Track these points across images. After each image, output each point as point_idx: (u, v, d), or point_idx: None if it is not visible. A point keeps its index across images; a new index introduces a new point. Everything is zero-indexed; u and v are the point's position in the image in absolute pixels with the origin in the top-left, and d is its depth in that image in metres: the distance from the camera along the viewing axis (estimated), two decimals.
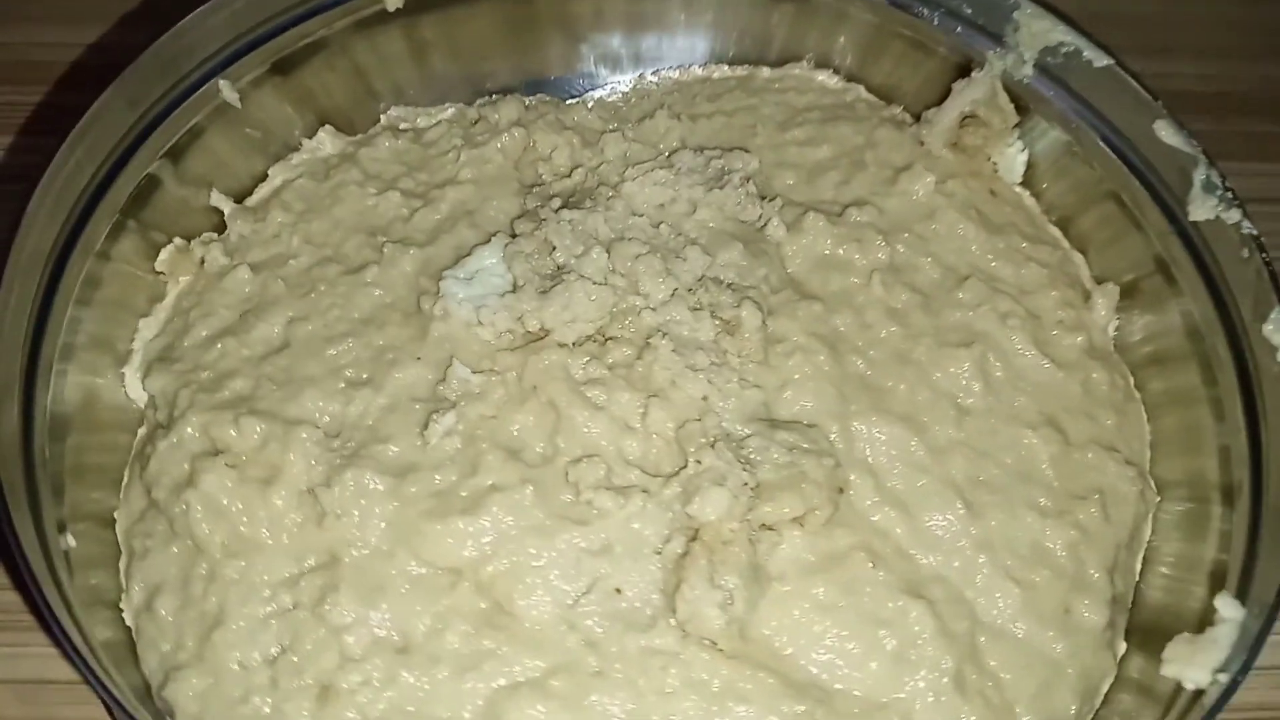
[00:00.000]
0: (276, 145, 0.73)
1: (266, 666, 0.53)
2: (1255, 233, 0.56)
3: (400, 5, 0.71)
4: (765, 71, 0.80)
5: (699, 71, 0.81)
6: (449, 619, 0.53)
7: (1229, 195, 0.57)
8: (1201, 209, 0.59)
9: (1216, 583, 0.56)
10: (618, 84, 0.80)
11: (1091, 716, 0.57)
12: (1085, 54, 0.64)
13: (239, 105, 0.67)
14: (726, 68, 0.80)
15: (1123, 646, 0.59)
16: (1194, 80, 0.92)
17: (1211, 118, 0.89)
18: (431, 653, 0.52)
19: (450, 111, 0.77)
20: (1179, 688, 0.51)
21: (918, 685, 0.54)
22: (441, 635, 0.53)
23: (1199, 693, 0.47)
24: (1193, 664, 0.48)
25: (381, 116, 0.76)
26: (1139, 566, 0.61)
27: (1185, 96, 0.86)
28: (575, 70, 0.80)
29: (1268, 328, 0.54)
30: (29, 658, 0.59)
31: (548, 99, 0.78)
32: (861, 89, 0.78)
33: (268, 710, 0.52)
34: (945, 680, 0.54)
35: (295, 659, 0.52)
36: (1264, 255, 0.55)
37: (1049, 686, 0.56)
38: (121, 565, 0.58)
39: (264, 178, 0.72)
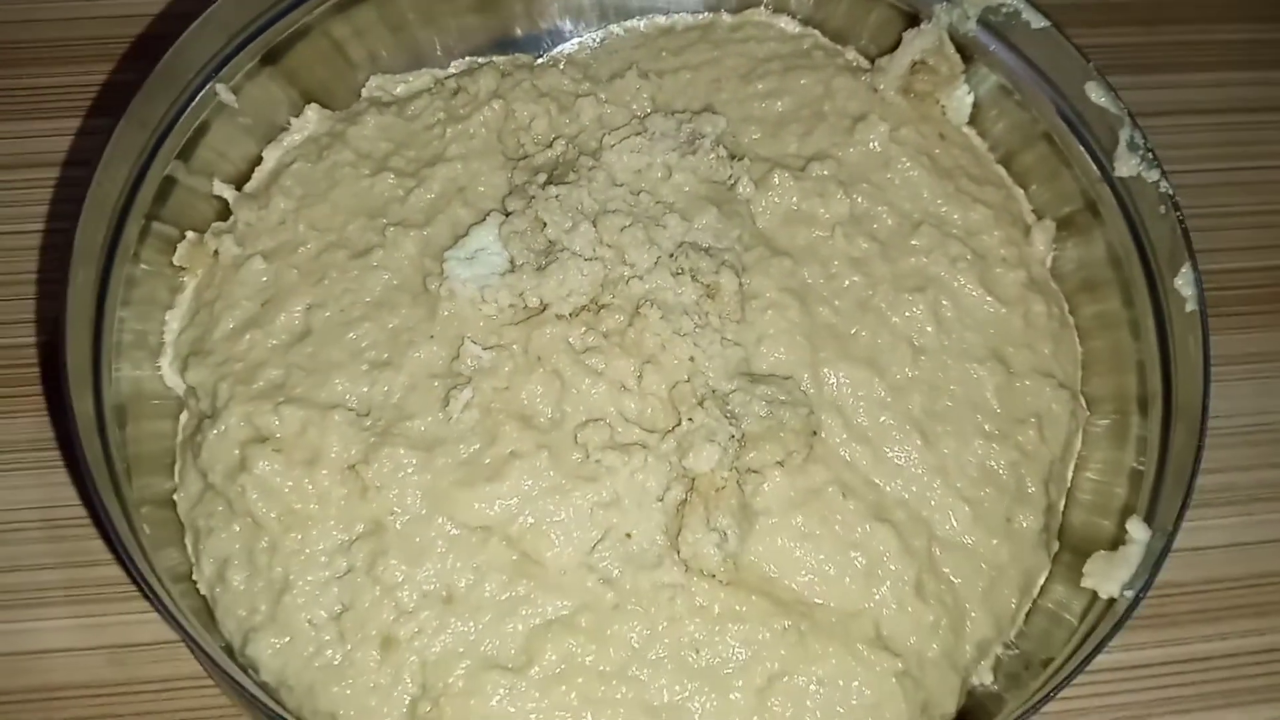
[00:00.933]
0: (266, 127, 0.76)
1: (333, 623, 0.61)
2: (1171, 191, 0.63)
3: None
4: (726, 18, 0.84)
5: (661, 20, 0.84)
6: (485, 571, 0.62)
7: (1150, 155, 0.64)
8: (1125, 165, 0.66)
9: (1134, 483, 0.65)
10: (584, 39, 0.84)
11: (1030, 606, 0.68)
12: (1024, 15, 0.69)
13: (235, 104, 0.70)
14: (688, 15, 0.84)
15: (1056, 545, 0.69)
16: None
17: (1145, 28, 0.95)
18: (474, 601, 0.61)
19: (427, 78, 0.81)
20: None
21: (885, 595, 0.63)
22: (480, 585, 0.61)
23: (1111, 601, 0.57)
24: (1107, 578, 0.59)
25: (362, 90, 0.80)
26: (1070, 475, 0.71)
27: (1125, 7, 0.91)
28: (541, 28, 0.83)
29: (1178, 281, 0.62)
30: (113, 625, 0.67)
31: (521, 59, 0.81)
32: (818, 34, 0.83)
33: (340, 660, 0.61)
34: (908, 589, 0.64)
35: (357, 615, 0.61)
36: (1179, 214, 0.62)
37: (995, 585, 0.66)
38: (189, 542, 0.65)
39: (257, 160, 0.76)
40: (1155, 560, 0.53)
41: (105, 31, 0.83)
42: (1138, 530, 0.59)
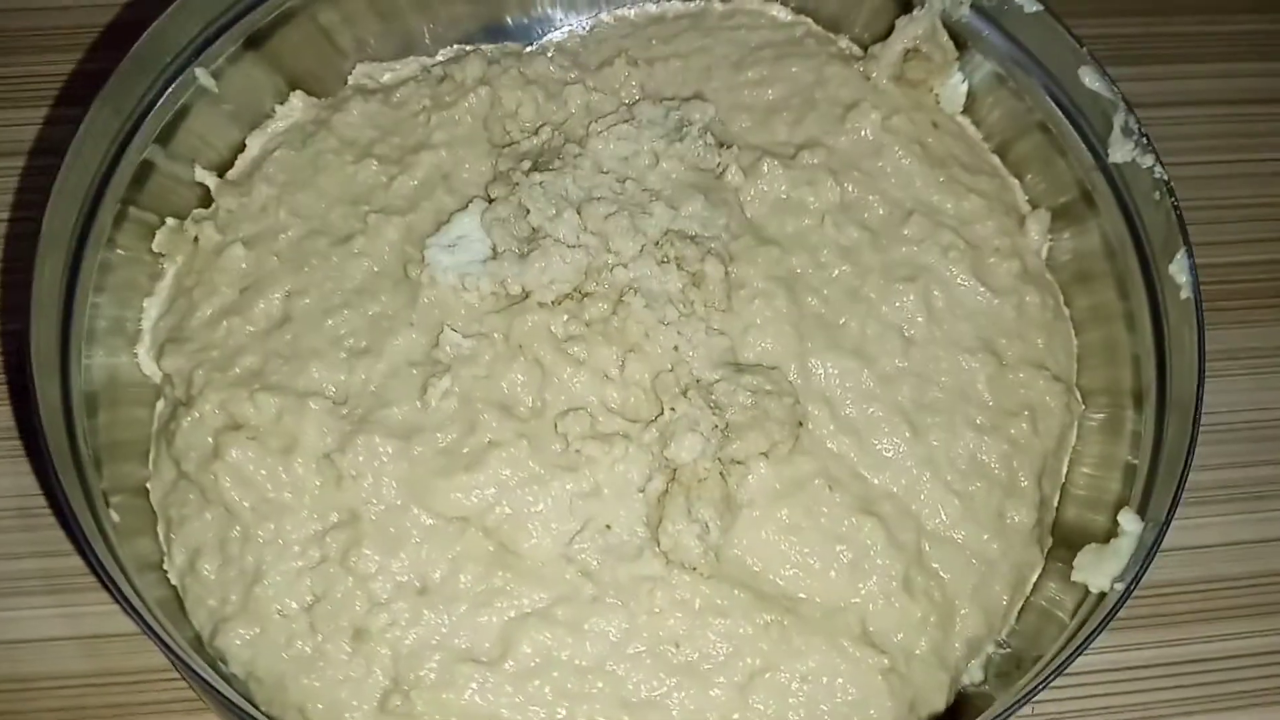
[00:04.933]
0: (250, 114, 0.75)
1: (304, 614, 0.60)
2: (1166, 178, 0.61)
3: None
4: (717, 6, 0.82)
5: (653, 9, 0.83)
6: (461, 562, 0.60)
7: (1144, 141, 0.62)
8: (1120, 151, 0.64)
9: (1128, 477, 0.64)
10: (573, 26, 0.83)
11: (1022, 604, 0.66)
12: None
13: (215, 89, 0.69)
14: (679, 3, 0.83)
15: (1049, 541, 0.68)
16: None
17: (1149, 20, 0.93)
18: (449, 593, 0.60)
19: (415, 66, 0.80)
20: None
21: (871, 590, 0.62)
22: (456, 577, 0.60)
23: (1102, 595, 0.56)
24: (1098, 571, 0.57)
25: (349, 77, 0.79)
26: (1064, 469, 0.70)
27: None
28: (531, 15, 0.82)
29: (1173, 267, 0.60)
30: (87, 616, 0.66)
31: (509, 48, 0.80)
32: (810, 22, 0.81)
33: (310, 651, 0.59)
34: (895, 584, 0.62)
35: (329, 606, 0.60)
36: (1173, 200, 0.61)
37: (985, 582, 0.64)
38: (160, 531, 0.64)
39: (241, 147, 0.75)
40: (1146, 552, 0.51)
41: (75, 21, 0.83)
42: (1129, 522, 0.57)
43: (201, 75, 0.68)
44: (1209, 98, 0.90)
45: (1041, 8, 0.66)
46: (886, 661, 0.60)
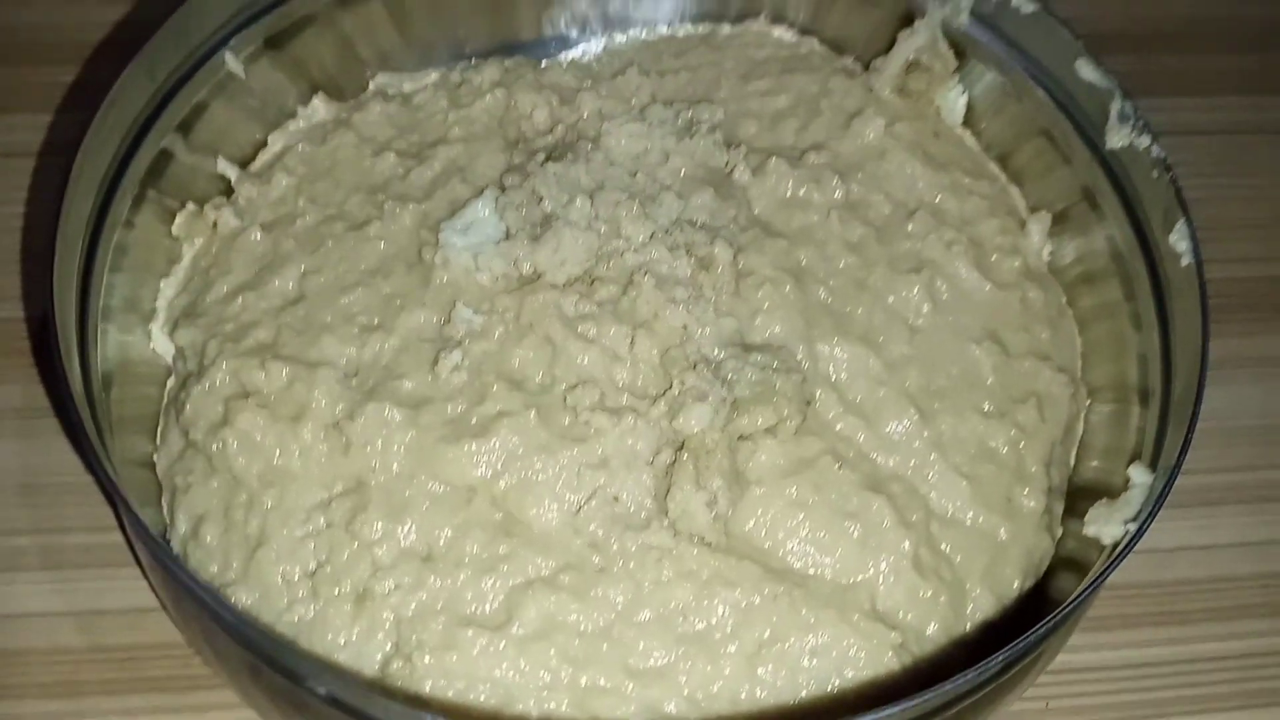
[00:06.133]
0: (274, 113, 0.78)
1: (307, 579, 0.59)
2: (1163, 155, 0.63)
3: None
4: (726, 28, 0.86)
5: (664, 30, 0.86)
6: (467, 529, 0.60)
7: (1140, 123, 0.65)
8: (1117, 136, 0.66)
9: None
10: (589, 47, 0.86)
11: (1033, 589, 0.65)
12: (1014, 2, 0.70)
13: (243, 76, 0.72)
14: (690, 26, 0.86)
15: (1059, 531, 0.67)
16: (1125, 21, 1.00)
17: (1138, 56, 0.97)
18: (454, 559, 0.59)
19: (434, 76, 0.83)
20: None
21: (880, 568, 0.61)
22: (461, 543, 0.59)
23: (1115, 547, 0.55)
24: (1110, 521, 0.57)
25: (370, 83, 0.82)
26: (1073, 460, 0.69)
27: (1118, 37, 0.94)
28: (548, 34, 0.86)
29: (1173, 236, 0.62)
30: (84, 592, 0.65)
31: (524, 61, 0.83)
32: (815, 41, 0.84)
33: (311, 615, 0.58)
34: (904, 562, 0.61)
35: (332, 571, 0.59)
36: (1170, 174, 0.62)
37: (995, 564, 0.64)
38: (165, 502, 0.64)
39: (264, 144, 0.78)
40: (1158, 496, 0.51)
41: (82, 34, 0.88)
42: (1139, 475, 0.57)
43: (230, 59, 0.70)
44: (1196, 128, 0.93)
45: (1038, 6, 0.68)
46: (898, 638, 0.59)
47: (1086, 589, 0.49)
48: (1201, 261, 0.59)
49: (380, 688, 0.56)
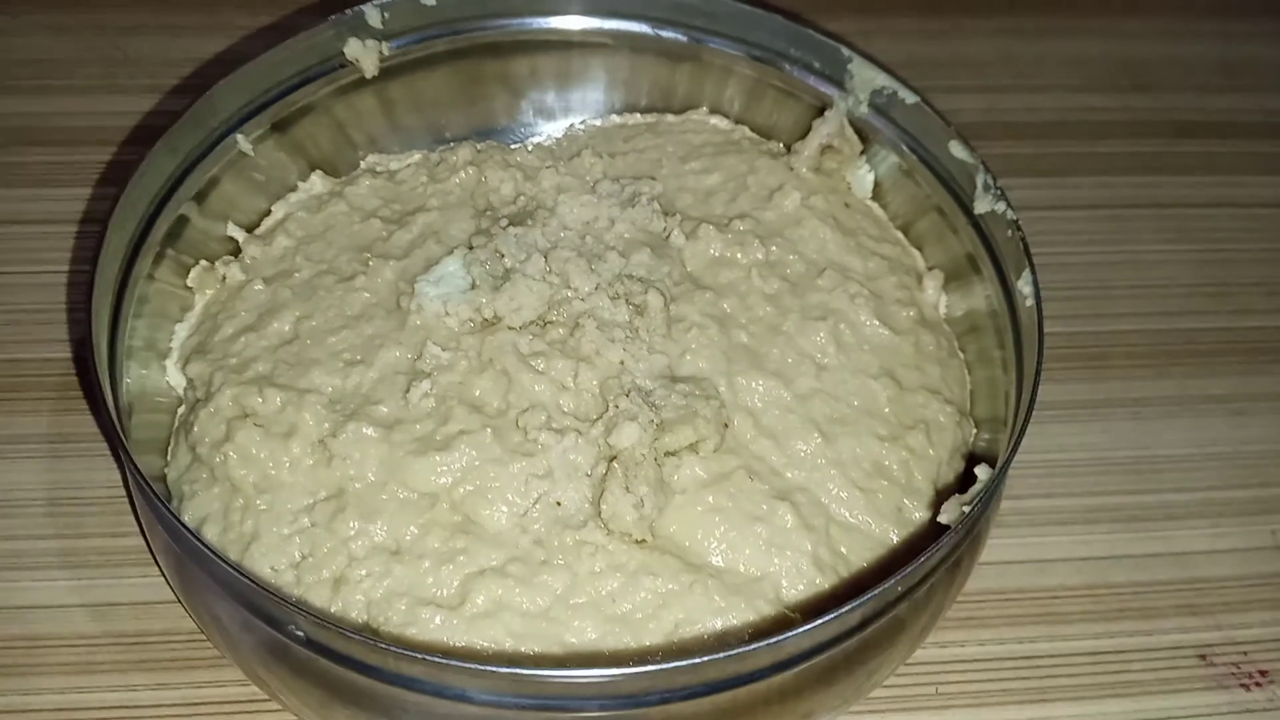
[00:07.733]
0: (277, 186, 0.90)
1: (292, 569, 0.69)
2: (1015, 218, 0.76)
3: (375, 73, 0.90)
4: (670, 117, 0.99)
5: (616, 119, 1.00)
6: (430, 528, 0.70)
7: (998, 191, 0.77)
8: (982, 203, 0.79)
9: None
10: (551, 131, 1.00)
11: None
12: (900, 93, 0.84)
13: (251, 154, 0.85)
14: (639, 115, 1.00)
15: None
16: (1028, 114, 1.15)
17: (1033, 142, 1.12)
18: (418, 552, 0.69)
19: (417, 156, 0.96)
20: None
21: (784, 564, 0.71)
22: (424, 539, 0.70)
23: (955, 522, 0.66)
24: (955, 505, 0.67)
25: (361, 162, 0.95)
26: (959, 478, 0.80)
27: (1024, 125, 1.09)
28: (516, 121, 0.99)
29: (1019, 282, 0.74)
30: (99, 588, 0.75)
31: (495, 144, 0.97)
32: (746, 129, 0.98)
33: (295, 598, 0.68)
34: (805, 560, 0.71)
35: (313, 561, 0.69)
36: (1020, 233, 0.75)
37: (886, 565, 0.74)
38: (173, 507, 0.74)
39: (268, 212, 0.90)
40: (994, 479, 0.62)
41: (115, 123, 1.04)
42: (983, 473, 0.68)
43: (241, 141, 0.84)
44: (1091, 203, 1.07)
45: (918, 98, 0.82)
46: (799, 621, 0.69)
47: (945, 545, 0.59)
48: (1041, 303, 0.71)
49: (349, 625, 0.65)
